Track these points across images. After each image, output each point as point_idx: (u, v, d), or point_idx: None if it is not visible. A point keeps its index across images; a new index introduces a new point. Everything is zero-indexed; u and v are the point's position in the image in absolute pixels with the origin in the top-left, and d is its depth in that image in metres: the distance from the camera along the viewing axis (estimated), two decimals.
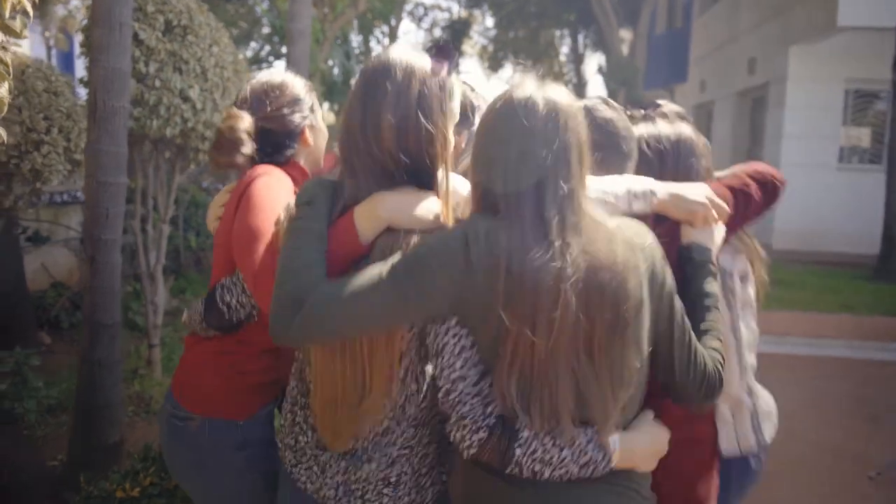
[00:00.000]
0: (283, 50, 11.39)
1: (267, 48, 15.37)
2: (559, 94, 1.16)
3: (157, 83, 3.46)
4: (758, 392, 1.66)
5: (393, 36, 21.42)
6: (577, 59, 23.51)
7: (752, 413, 1.61)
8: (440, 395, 1.12)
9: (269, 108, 1.55)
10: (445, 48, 1.22)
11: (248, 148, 1.52)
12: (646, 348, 1.15)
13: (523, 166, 1.10)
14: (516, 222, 1.09)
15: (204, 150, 3.79)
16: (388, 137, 1.16)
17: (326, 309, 1.09)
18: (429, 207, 1.18)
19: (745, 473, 1.61)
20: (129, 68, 2.83)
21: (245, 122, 1.52)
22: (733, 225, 1.48)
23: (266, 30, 15.34)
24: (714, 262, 1.35)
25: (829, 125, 10.28)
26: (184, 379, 1.59)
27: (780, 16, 10.43)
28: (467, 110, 1.71)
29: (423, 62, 1.20)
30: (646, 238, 1.17)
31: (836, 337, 5.75)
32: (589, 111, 1.49)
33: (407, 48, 1.22)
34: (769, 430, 1.66)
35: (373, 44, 23.07)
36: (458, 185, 1.27)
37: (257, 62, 14.80)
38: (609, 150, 1.47)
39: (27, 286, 4.72)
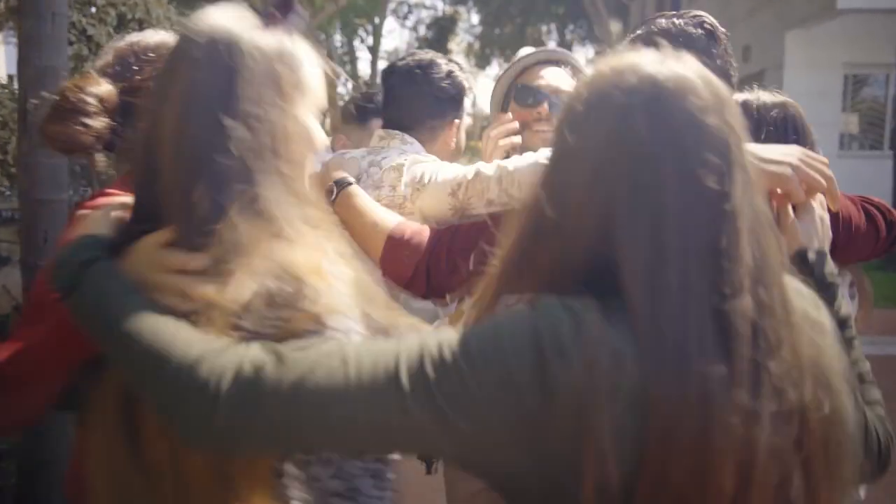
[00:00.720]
0: None
1: None
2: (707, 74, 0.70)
3: None
4: None
5: (377, 34, 21.14)
6: None
7: None
8: None
9: (137, 77, 1.11)
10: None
11: (96, 121, 1.05)
12: None
13: (676, 203, 0.63)
14: (652, 314, 0.62)
15: None
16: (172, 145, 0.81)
17: (289, 398, 0.64)
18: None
19: None
20: (67, 66, 2.44)
21: (100, 86, 1.09)
22: (849, 252, 1.12)
23: None
24: (833, 269, 0.97)
25: (829, 112, 10.05)
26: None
27: (775, 1, 10.18)
28: (462, 94, 1.42)
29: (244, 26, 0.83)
30: (825, 315, 0.75)
31: (861, 333, 5.45)
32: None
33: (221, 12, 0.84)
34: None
35: (356, 43, 22.82)
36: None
37: None
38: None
39: None
